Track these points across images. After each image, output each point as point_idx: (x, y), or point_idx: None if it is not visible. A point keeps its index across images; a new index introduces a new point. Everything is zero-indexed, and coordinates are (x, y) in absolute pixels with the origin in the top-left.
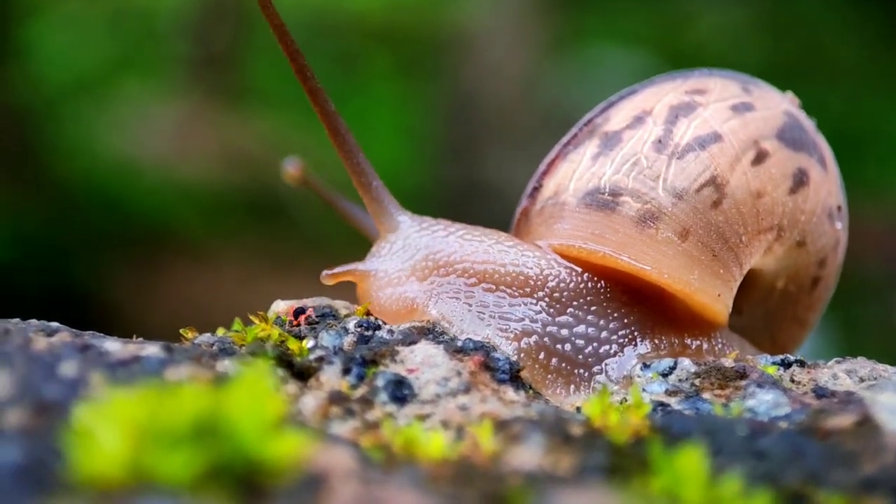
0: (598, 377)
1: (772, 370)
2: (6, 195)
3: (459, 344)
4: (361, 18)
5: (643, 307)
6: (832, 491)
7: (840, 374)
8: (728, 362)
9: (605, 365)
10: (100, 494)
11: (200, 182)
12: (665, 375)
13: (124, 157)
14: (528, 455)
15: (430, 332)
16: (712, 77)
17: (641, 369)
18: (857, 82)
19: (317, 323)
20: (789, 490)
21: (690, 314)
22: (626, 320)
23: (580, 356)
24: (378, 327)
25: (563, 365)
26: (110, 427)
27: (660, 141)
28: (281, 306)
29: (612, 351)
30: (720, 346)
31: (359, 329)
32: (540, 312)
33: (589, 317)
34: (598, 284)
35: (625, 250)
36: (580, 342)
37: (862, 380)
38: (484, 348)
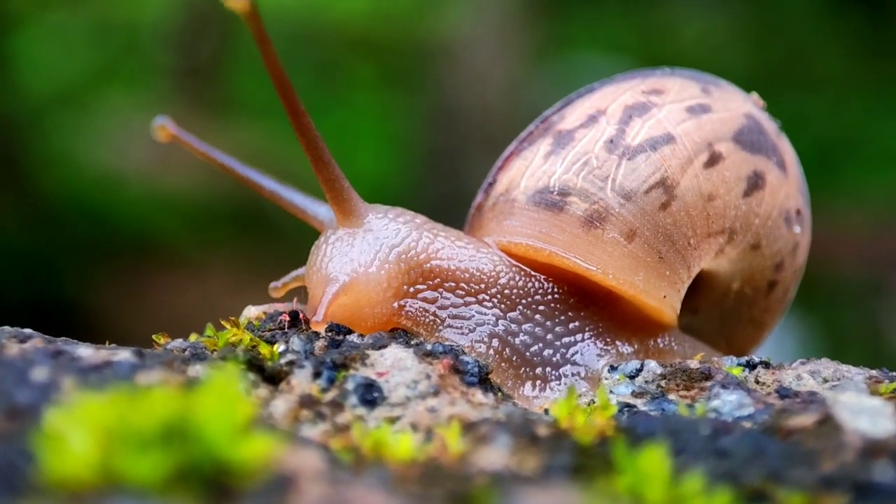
0: (544, 375)
1: (737, 371)
2: None
3: (429, 347)
4: (343, 28)
5: (591, 308)
6: (792, 489)
7: (804, 375)
8: (693, 364)
9: (553, 364)
10: (70, 496)
11: (184, 192)
12: (632, 377)
13: (108, 167)
14: (495, 456)
15: (400, 336)
16: (672, 77)
17: (609, 371)
18: (839, 89)
19: (287, 328)
20: (750, 488)
21: (638, 315)
22: (573, 323)
23: (533, 357)
24: (349, 331)
25: (515, 361)
26: (80, 430)
27: (611, 141)
28: (252, 311)
29: (559, 352)
30: (668, 346)
31: (329, 333)
32: (491, 309)
33: (536, 316)
34: (546, 285)
35: (571, 250)
36: (528, 340)
37: (826, 380)
38: (453, 351)
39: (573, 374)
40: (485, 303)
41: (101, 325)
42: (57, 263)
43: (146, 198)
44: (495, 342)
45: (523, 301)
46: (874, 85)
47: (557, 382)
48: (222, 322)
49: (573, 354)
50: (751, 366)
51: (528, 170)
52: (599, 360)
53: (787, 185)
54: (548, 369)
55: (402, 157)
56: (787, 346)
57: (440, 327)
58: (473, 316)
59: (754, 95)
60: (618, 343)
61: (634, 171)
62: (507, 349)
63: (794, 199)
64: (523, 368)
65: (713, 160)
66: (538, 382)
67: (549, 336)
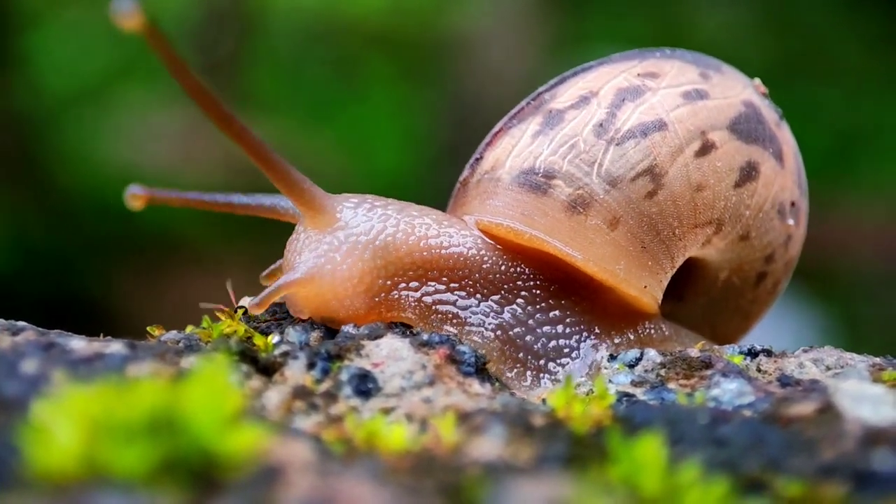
0: (524, 361)
1: (738, 360)
2: (9, 204)
3: (425, 337)
4: (361, 23)
5: (573, 295)
6: (790, 477)
7: (806, 363)
8: (694, 352)
9: (534, 353)
10: (55, 489)
11: (203, 188)
12: (631, 366)
13: (127, 164)
14: (489, 446)
15: (397, 326)
16: (671, 60)
17: (608, 360)
18: (858, 81)
19: (283, 319)
20: (748, 477)
21: (620, 303)
22: (554, 312)
23: (516, 340)
24: None
25: (507, 350)
26: (66, 422)
27: (601, 125)
28: (248, 303)
29: (541, 340)
30: (650, 334)
31: (325, 324)
32: (474, 295)
33: (518, 301)
34: (528, 270)
35: (552, 234)
36: (511, 326)
37: (828, 368)
38: (450, 341)
39: (554, 361)
40: (468, 288)
41: (120, 321)
42: (77, 261)
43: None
44: (481, 329)
45: (506, 286)
46: (892, 77)
47: (539, 370)
48: (217, 313)
49: (552, 340)
50: (752, 354)
51: (514, 149)
52: (581, 346)
53: (783, 177)
54: (529, 357)
55: (418, 152)
56: (805, 339)
57: (428, 316)
58: (457, 301)
59: (756, 81)
60: (599, 329)
61: (622, 158)
62: (492, 334)
63: (789, 190)
64: (508, 353)
65: (705, 149)
66: (518, 367)
67: (531, 321)
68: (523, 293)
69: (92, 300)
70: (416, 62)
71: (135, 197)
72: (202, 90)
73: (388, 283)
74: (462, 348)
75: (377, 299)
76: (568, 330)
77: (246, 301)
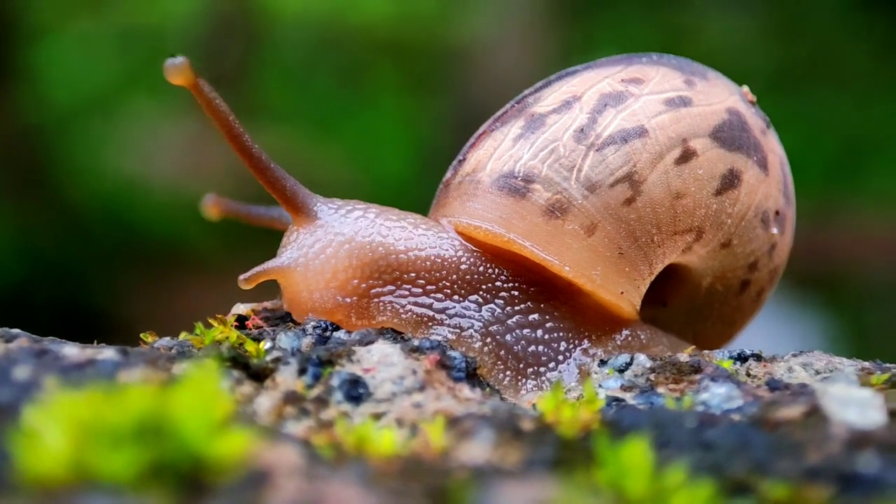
0: (505, 359)
1: (727, 364)
2: (17, 214)
3: (416, 343)
4: (368, 31)
5: (552, 299)
6: (776, 480)
7: (796, 367)
8: (683, 357)
9: (514, 354)
10: (44, 493)
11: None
12: (621, 371)
13: (134, 175)
14: (477, 450)
15: (388, 332)
16: (656, 66)
17: (598, 365)
18: (866, 88)
19: (275, 325)
20: (734, 480)
21: (598, 307)
22: (533, 315)
23: (516, 347)
24: (336, 328)
25: (493, 352)
26: (55, 427)
27: (582, 130)
28: (241, 309)
29: (520, 343)
30: (628, 340)
31: (317, 330)
32: (451, 296)
33: (497, 301)
34: (506, 273)
35: (529, 238)
36: (491, 328)
37: (818, 372)
38: (440, 347)
39: (534, 366)
40: (445, 290)
41: (128, 330)
42: (84, 270)
43: (172, 205)
44: (457, 328)
45: (484, 286)
46: None
47: (518, 373)
48: (209, 320)
49: (531, 345)
50: (742, 358)
51: (496, 151)
52: (561, 349)
53: (767, 185)
54: (509, 356)
55: (425, 160)
56: (813, 348)
57: (404, 321)
58: (433, 304)
59: (744, 89)
60: (578, 333)
61: (601, 164)
62: (470, 331)
63: (773, 199)
64: (489, 348)
65: (686, 156)
66: (499, 365)
67: (510, 322)
68: (503, 293)
69: (99, 309)
70: (423, 71)
71: (210, 206)
72: (241, 139)
73: (363, 286)
74: (452, 353)
75: (347, 300)
76: (548, 336)
77: (239, 308)
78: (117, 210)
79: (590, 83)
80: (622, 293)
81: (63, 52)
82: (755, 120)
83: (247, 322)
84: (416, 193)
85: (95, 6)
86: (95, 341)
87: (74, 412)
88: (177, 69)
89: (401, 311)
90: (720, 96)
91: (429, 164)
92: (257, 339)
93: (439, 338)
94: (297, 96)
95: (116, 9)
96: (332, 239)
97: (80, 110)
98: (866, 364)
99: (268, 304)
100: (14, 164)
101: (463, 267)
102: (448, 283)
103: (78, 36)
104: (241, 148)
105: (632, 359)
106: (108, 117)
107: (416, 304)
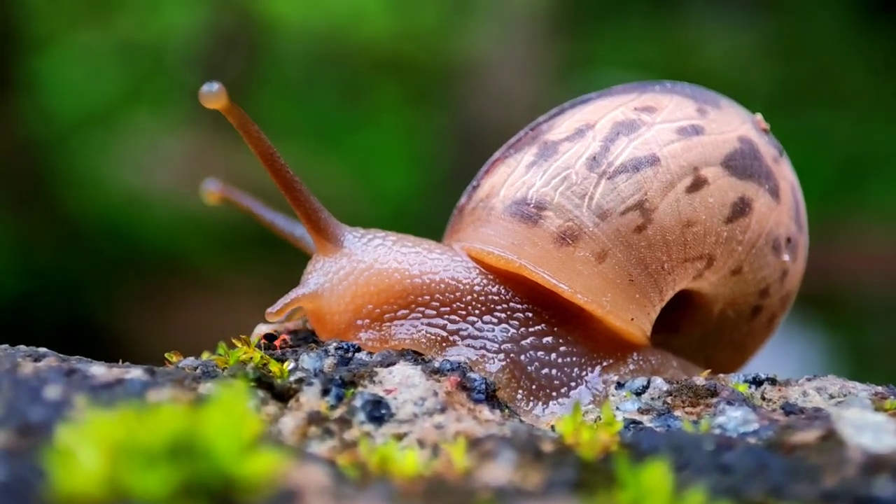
0: (519, 379)
1: (743, 388)
2: (18, 227)
3: (437, 365)
4: (369, 48)
5: (564, 324)
6: (793, 503)
7: (810, 392)
8: (700, 381)
9: (528, 375)
10: None
11: (211, 213)
12: (638, 394)
13: (135, 188)
14: (499, 471)
15: (408, 353)
16: (669, 94)
17: (616, 388)
18: (866, 106)
19: (298, 346)
20: (752, 502)
21: (608, 332)
22: (547, 338)
23: (530, 367)
24: (358, 349)
25: (505, 363)
26: (89, 446)
27: (594, 158)
28: (263, 330)
29: (534, 364)
30: (640, 365)
31: (339, 351)
32: (466, 318)
33: (512, 322)
34: (518, 296)
35: (540, 265)
36: (505, 348)
37: (832, 396)
38: (461, 368)
39: (546, 388)
40: (459, 311)
41: (127, 345)
42: (84, 284)
43: (173, 219)
44: (471, 351)
45: (499, 307)
46: None
47: (532, 394)
48: (233, 340)
49: (545, 367)
50: (757, 382)
51: (509, 178)
52: (574, 373)
53: (778, 212)
54: (522, 376)
55: (425, 176)
56: (812, 366)
57: (420, 343)
58: (446, 325)
59: (758, 117)
60: (590, 359)
61: (613, 191)
62: (482, 355)
63: (784, 226)
64: (505, 367)
65: (697, 185)
66: (513, 383)
67: (525, 343)
68: (518, 314)
69: (99, 323)
70: (424, 87)
71: (210, 193)
72: (277, 164)
73: (377, 311)
74: (473, 375)
75: (359, 322)
76: (561, 360)
77: (262, 328)
78: (117, 224)
79: (603, 111)
80: (632, 319)
81: (64, 65)
82: (767, 148)
83: (275, 341)
84: (417, 209)
85: (97, 18)
86: (120, 360)
87: (108, 431)
88: (213, 95)
89: (414, 332)
90: (732, 125)
91: (429, 180)
92: (281, 360)
93: (457, 358)
94: (298, 111)
95: (118, 22)
96: (355, 267)
97: (81, 123)
98: (879, 388)
99: (290, 325)
100: (14, 176)
101: (477, 288)
102: (462, 305)
103: (79, 49)
104: (277, 173)
105: (649, 382)
106: (108, 131)
107: (429, 324)
